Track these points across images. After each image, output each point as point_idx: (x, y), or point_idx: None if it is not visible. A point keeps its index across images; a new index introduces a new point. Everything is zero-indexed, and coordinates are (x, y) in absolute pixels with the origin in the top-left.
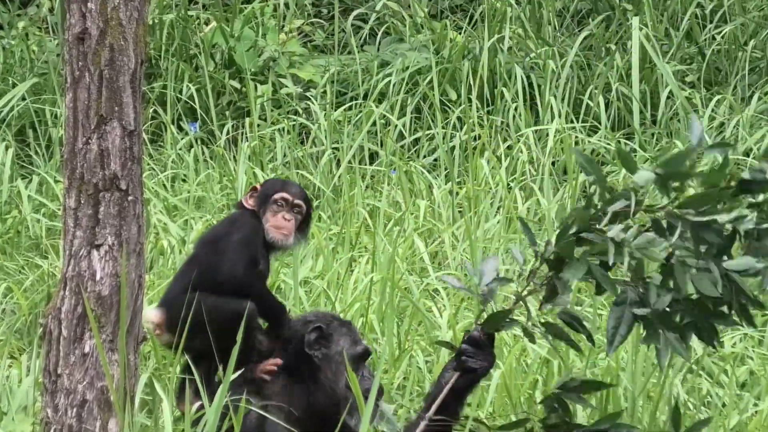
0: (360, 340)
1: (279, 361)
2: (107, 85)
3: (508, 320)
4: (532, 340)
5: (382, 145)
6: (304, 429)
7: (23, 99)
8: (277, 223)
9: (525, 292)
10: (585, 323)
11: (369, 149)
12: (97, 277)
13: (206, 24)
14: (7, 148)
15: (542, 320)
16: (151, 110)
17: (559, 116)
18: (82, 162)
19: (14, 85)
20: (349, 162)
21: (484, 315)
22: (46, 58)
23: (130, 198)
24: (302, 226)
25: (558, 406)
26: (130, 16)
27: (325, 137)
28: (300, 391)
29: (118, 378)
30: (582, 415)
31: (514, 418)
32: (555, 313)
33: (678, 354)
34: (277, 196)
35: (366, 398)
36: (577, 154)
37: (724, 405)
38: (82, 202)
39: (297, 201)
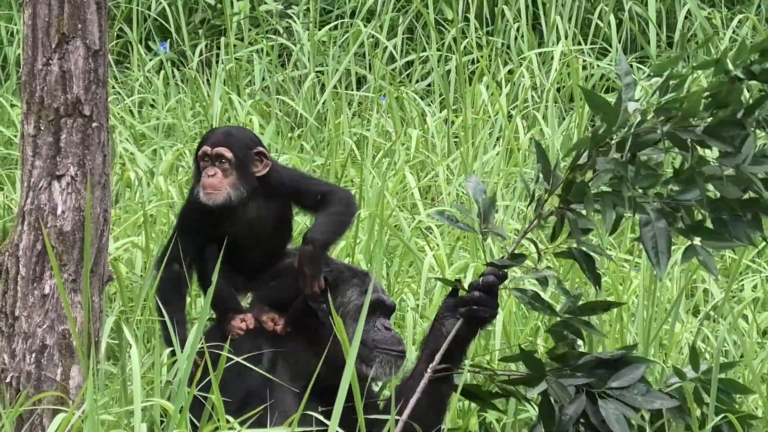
0: (373, 291)
1: (252, 322)
2: (69, 0)
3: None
4: (545, 283)
5: (370, 69)
6: (315, 379)
7: None
8: (204, 183)
9: (533, 224)
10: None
11: (356, 73)
12: (59, 211)
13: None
14: None
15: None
16: (116, 28)
17: (566, 37)
18: (41, 85)
19: None
20: (335, 87)
21: (492, 254)
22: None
23: (94, 125)
24: (246, 173)
25: (567, 333)
26: None
27: (308, 59)
28: (309, 341)
29: (81, 321)
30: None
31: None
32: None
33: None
34: (199, 153)
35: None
36: (583, 91)
37: (742, 356)
38: (42, 128)
39: (216, 150)
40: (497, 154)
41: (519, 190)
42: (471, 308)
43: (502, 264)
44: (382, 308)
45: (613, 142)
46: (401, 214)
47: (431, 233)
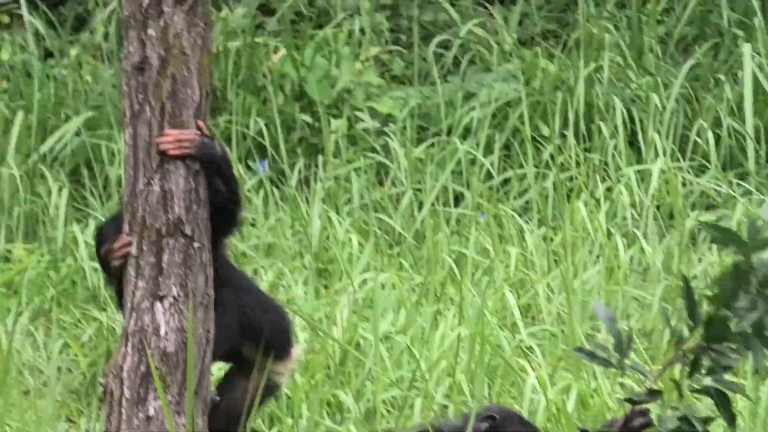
0: None
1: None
2: (170, 119)
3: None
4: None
5: (468, 186)
6: None
7: (77, 134)
8: None
9: (673, 361)
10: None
11: (454, 190)
12: (162, 332)
13: (275, 52)
14: (60, 188)
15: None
16: None
17: (664, 154)
18: (143, 205)
19: (67, 119)
20: (432, 204)
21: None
22: (102, 90)
23: (195, 245)
24: None
25: None
26: (194, 44)
27: (406, 177)
28: None
29: None
30: None
31: None
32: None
33: None
34: None
35: None
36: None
37: None
38: (144, 249)
39: None
40: (597, 272)
41: (621, 310)
42: None
43: (639, 400)
44: None
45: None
46: (501, 333)
47: (532, 353)
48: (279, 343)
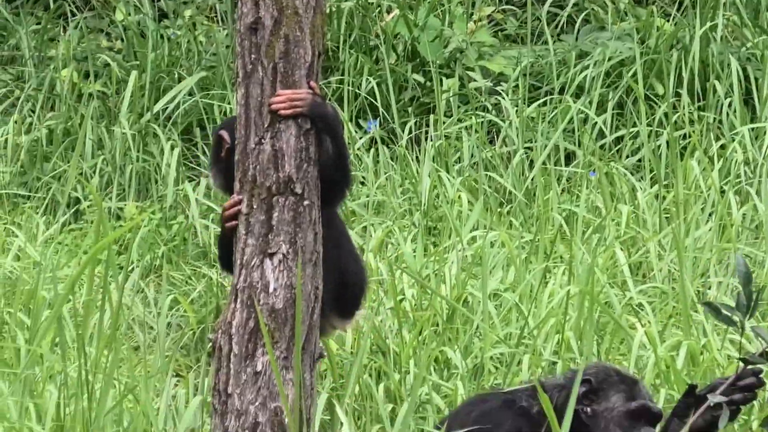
0: (639, 396)
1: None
2: (282, 79)
3: None
4: None
5: (579, 145)
6: None
7: (190, 95)
8: None
9: None
10: None
11: (565, 149)
12: (271, 289)
13: (388, 12)
14: (172, 147)
15: None
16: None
17: None
18: (254, 163)
19: (180, 79)
20: (544, 163)
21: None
22: (215, 50)
23: (305, 202)
24: None
25: None
26: (307, 4)
27: (517, 136)
28: None
29: (293, 398)
30: None
31: None
32: None
33: None
34: None
35: None
36: None
37: None
38: (255, 206)
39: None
40: (710, 230)
41: (732, 267)
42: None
43: (753, 360)
44: (648, 416)
45: None
46: (612, 290)
47: (642, 310)
48: (350, 302)
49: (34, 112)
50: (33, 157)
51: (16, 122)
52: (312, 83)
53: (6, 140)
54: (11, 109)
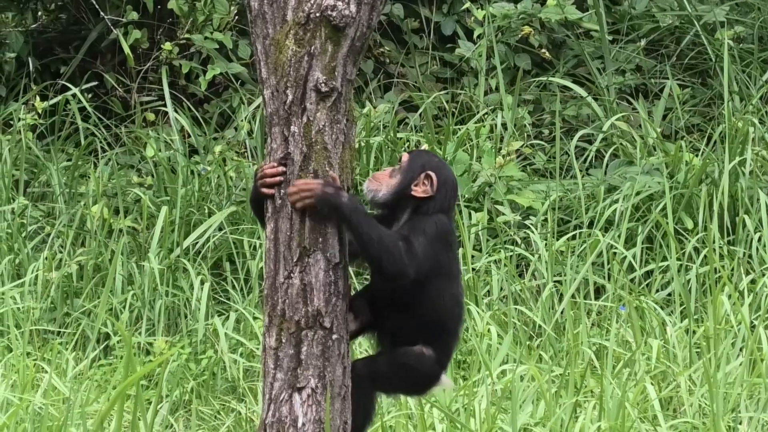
0: None
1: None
2: (310, 214)
3: None
4: None
5: (609, 278)
6: None
7: (220, 229)
8: (373, 173)
9: None
10: None
11: (595, 282)
12: (299, 424)
13: (417, 147)
14: (202, 282)
15: None
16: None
17: None
18: (283, 297)
19: (210, 214)
20: (573, 296)
21: None
22: (245, 185)
23: (334, 336)
24: (405, 184)
25: None
26: (336, 140)
27: (546, 269)
28: None
29: None
30: None
31: None
32: None
33: None
34: None
35: None
36: None
37: None
38: (284, 341)
39: (403, 155)
40: (740, 365)
41: (762, 402)
42: None
43: None
44: None
45: None
46: (642, 425)
47: None
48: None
49: (64, 248)
50: (63, 293)
51: (46, 258)
52: (332, 174)
53: (36, 276)
54: (42, 246)
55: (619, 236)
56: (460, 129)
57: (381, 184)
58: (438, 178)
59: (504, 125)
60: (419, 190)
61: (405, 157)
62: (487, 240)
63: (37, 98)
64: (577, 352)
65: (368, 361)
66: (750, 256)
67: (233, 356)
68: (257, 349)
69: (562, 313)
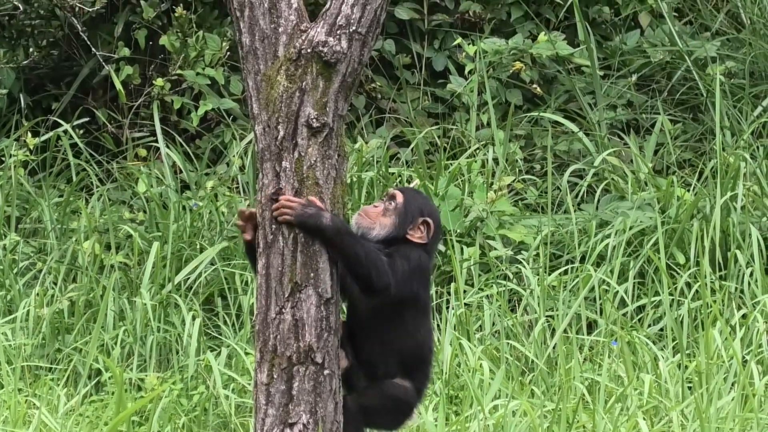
0: None
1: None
2: (302, 249)
3: None
4: None
5: (601, 313)
6: None
7: (211, 264)
8: (364, 208)
9: None
10: None
11: (587, 317)
12: None
13: (408, 182)
14: (194, 317)
15: None
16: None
17: None
18: (275, 333)
19: (202, 250)
20: (565, 331)
21: None
22: (237, 221)
23: (326, 372)
24: (401, 226)
25: None
26: (327, 175)
27: (538, 304)
28: None
29: None
30: None
31: None
32: None
33: None
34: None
35: None
36: None
37: None
38: (275, 376)
39: (395, 192)
40: (732, 400)
41: None
42: None
43: None
44: None
45: None
46: None
47: None
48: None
49: (55, 284)
50: (55, 329)
51: (38, 294)
52: (311, 198)
53: (28, 312)
54: (33, 282)
55: (611, 271)
56: (451, 164)
57: (374, 222)
58: (434, 224)
59: (495, 160)
60: (415, 236)
61: (399, 197)
62: (479, 275)
63: (29, 134)
64: (569, 387)
65: (356, 396)
66: (742, 291)
67: (225, 392)
68: (249, 384)
69: (554, 348)
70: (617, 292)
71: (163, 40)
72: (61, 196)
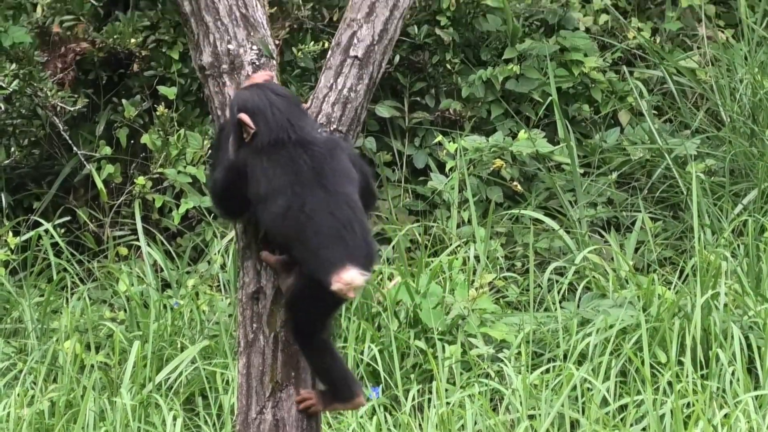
0: None
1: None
2: (283, 348)
3: None
4: None
5: (583, 413)
6: None
7: (192, 363)
8: None
9: None
10: None
11: (570, 417)
12: None
13: (390, 279)
14: (175, 417)
15: None
16: None
17: None
18: None
19: (183, 349)
20: (548, 430)
21: None
22: (218, 319)
23: None
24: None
25: None
26: None
27: (520, 403)
28: None
29: None
30: None
31: None
32: None
33: None
34: None
35: None
36: None
37: None
38: None
39: None
40: None
41: None
42: None
43: None
44: None
45: None
46: None
47: None
48: None
49: (36, 384)
50: (35, 430)
51: (18, 395)
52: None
53: (8, 414)
54: (14, 382)
55: (593, 370)
56: (432, 261)
57: None
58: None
59: (477, 258)
60: None
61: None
62: (461, 373)
63: (10, 234)
64: None
65: None
66: (724, 390)
67: None
68: None
69: None
70: (600, 390)
71: (145, 138)
72: (41, 295)
